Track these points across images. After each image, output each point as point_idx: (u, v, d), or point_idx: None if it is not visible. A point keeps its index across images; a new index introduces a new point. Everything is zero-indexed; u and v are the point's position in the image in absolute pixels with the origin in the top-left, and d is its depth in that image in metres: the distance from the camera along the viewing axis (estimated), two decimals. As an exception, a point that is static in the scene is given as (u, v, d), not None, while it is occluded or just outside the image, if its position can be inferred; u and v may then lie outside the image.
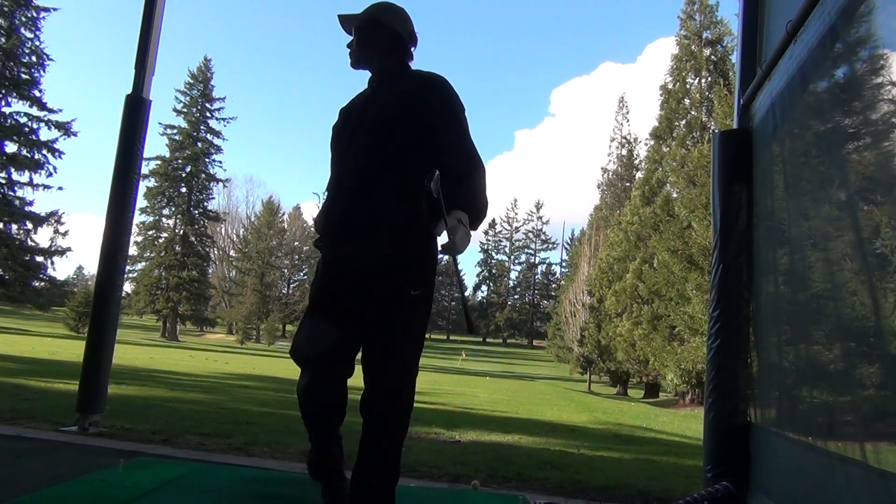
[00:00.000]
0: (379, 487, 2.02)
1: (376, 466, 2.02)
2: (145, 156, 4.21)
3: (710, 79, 20.74)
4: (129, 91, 3.86)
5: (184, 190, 44.80)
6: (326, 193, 2.22)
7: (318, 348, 2.13)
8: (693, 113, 20.63)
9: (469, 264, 78.27)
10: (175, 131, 44.28)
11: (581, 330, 27.96)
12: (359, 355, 2.12)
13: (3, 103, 27.82)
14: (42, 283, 29.52)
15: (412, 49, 2.28)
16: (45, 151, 28.54)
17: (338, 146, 2.21)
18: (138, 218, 41.88)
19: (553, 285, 73.81)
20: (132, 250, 37.76)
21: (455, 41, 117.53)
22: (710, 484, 2.84)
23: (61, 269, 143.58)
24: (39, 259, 29.16)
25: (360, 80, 2.35)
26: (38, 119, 28.42)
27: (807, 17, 2.27)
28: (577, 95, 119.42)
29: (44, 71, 28.79)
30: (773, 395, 2.74)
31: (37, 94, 28.41)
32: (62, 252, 29.26)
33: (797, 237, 2.45)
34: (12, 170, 28.04)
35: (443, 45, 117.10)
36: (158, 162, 43.88)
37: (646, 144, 26.46)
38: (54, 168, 28.71)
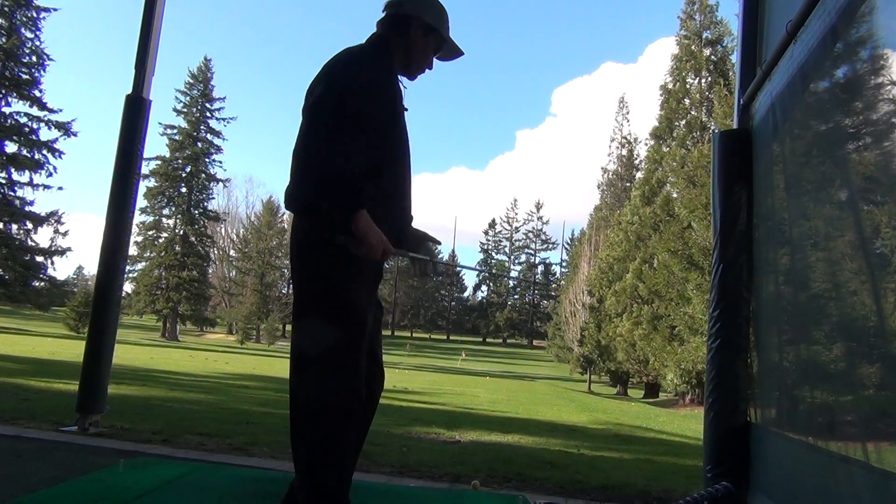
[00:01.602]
0: None
1: None
2: (145, 156, 4.21)
3: (710, 79, 20.73)
4: (129, 91, 3.86)
5: (184, 190, 44.80)
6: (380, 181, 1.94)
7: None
8: (693, 113, 20.62)
9: (469, 264, 78.24)
10: (175, 131, 44.29)
11: (581, 330, 27.95)
12: None
13: (4, 103, 27.85)
14: (42, 283, 29.54)
15: None
16: (45, 151, 28.58)
17: (402, 142, 2.07)
18: (138, 218, 41.87)
19: (553, 285, 73.82)
20: (132, 250, 37.73)
21: (456, 41, 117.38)
22: (710, 484, 2.84)
23: (61, 269, 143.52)
24: (39, 259, 29.18)
25: None
26: (38, 119, 28.46)
27: (807, 17, 2.27)
28: (578, 95, 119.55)
29: (44, 71, 28.89)
30: (774, 394, 2.74)
31: (37, 94, 28.47)
32: (62, 252, 29.29)
33: (797, 237, 2.45)
34: (12, 170, 28.05)
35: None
36: (158, 162, 43.91)
37: (646, 144, 26.45)
38: (54, 168, 28.80)
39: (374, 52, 2.05)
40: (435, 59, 2.19)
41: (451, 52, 2.20)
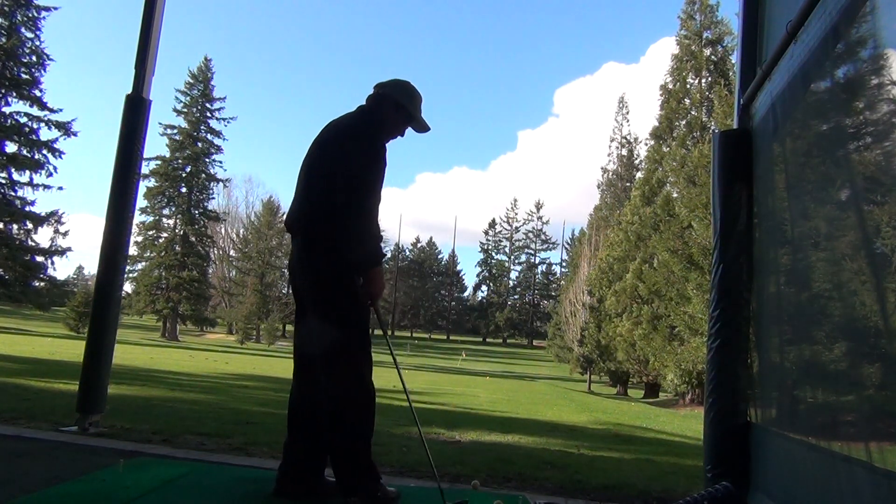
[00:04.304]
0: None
1: None
2: (145, 156, 4.20)
3: (710, 79, 20.73)
4: (129, 91, 3.86)
5: (184, 190, 44.78)
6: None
7: None
8: (693, 113, 20.61)
9: (469, 264, 78.35)
10: (175, 131, 44.25)
11: (581, 330, 27.96)
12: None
13: (4, 103, 27.80)
14: (42, 283, 29.51)
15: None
16: (45, 151, 28.52)
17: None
18: (138, 218, 41.83)
19: (553, 285, 73.80)
20: (132, 250, 37.68)
21: (458, 42, 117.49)
22: (710, 484, 2.83)
23: (61, 269, 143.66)
24: (39, 259, 29.14)
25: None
26: (38, 119, 28.42)
27: (807, 17, 2.26)
28: (580, 96, 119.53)
29: (44, 71, 28.81)
30: (774, 394, 2.74)
31: (37, 93, 28.40)
32: (62, 252, 29.25)
33: (798, 237, 2.45)
34: (13, 170, 28.02)
35: (446, 46, 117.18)
36: (158, 162, 43.87)
37: (646, 144, 26.45)
38: (54, 168, 28.73)
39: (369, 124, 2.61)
40: (411, 130, 2.76)
41: (420, 126, 2.76)
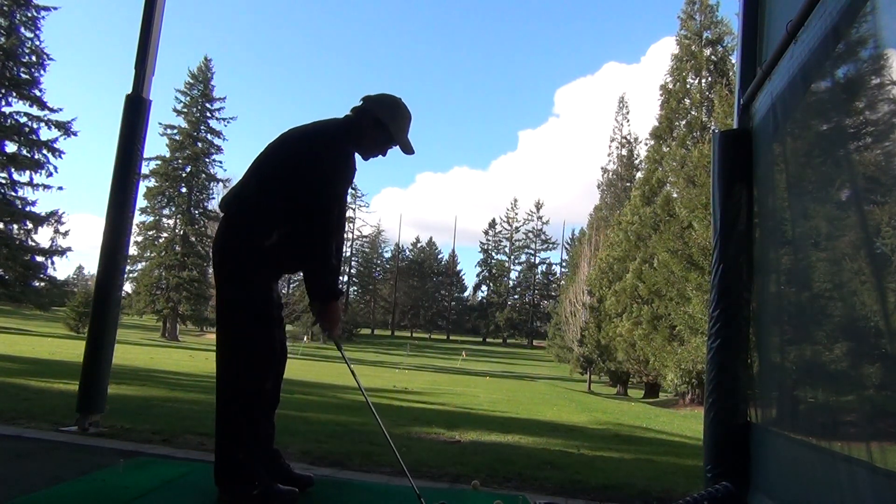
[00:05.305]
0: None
1: None
2: (145, 156, 4.20)
3: (710, 79, 20.75)
4: (129, 91, 3.86)
5: (184, 190, 44.77)
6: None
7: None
8: (693, 113, 20.62)
9: (469, 264, 78.40)
10: (175, 131, 44.24)
11: (581, 330, 27.96)
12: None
13: (4, 103, 27.80)
14: (42, 283, 29.51)
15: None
16: (45, 151, 28.52)
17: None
18: (138, 218, 41.80)
19: (553, 285, 73.79)
20: (132, 250, 37.64)
21: (460, 42, 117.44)
22: (710, 484, 2.83)
23: (61, 269, 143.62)
24: (40, 259, 29.15)
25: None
26: (38, 119, 28.41)
27: (807, 17, 2.26)
28: (581, 96, 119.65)
29: (44, 70, 28.82)
30: (774, 394, 2.74)
31: (37, 93, 28.39)
32: (62, 252, 29.26)
33: (798, 237, 2.45)
34: (13, 170, 28.02)
35: (447, 46, 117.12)
36: (158, 162, 43.87)
37: (646, 144, 26.49)
38: (55, 168, 28.73)
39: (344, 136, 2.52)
40: (397, 150, 2.64)
41: (404, 148, 2.63)
